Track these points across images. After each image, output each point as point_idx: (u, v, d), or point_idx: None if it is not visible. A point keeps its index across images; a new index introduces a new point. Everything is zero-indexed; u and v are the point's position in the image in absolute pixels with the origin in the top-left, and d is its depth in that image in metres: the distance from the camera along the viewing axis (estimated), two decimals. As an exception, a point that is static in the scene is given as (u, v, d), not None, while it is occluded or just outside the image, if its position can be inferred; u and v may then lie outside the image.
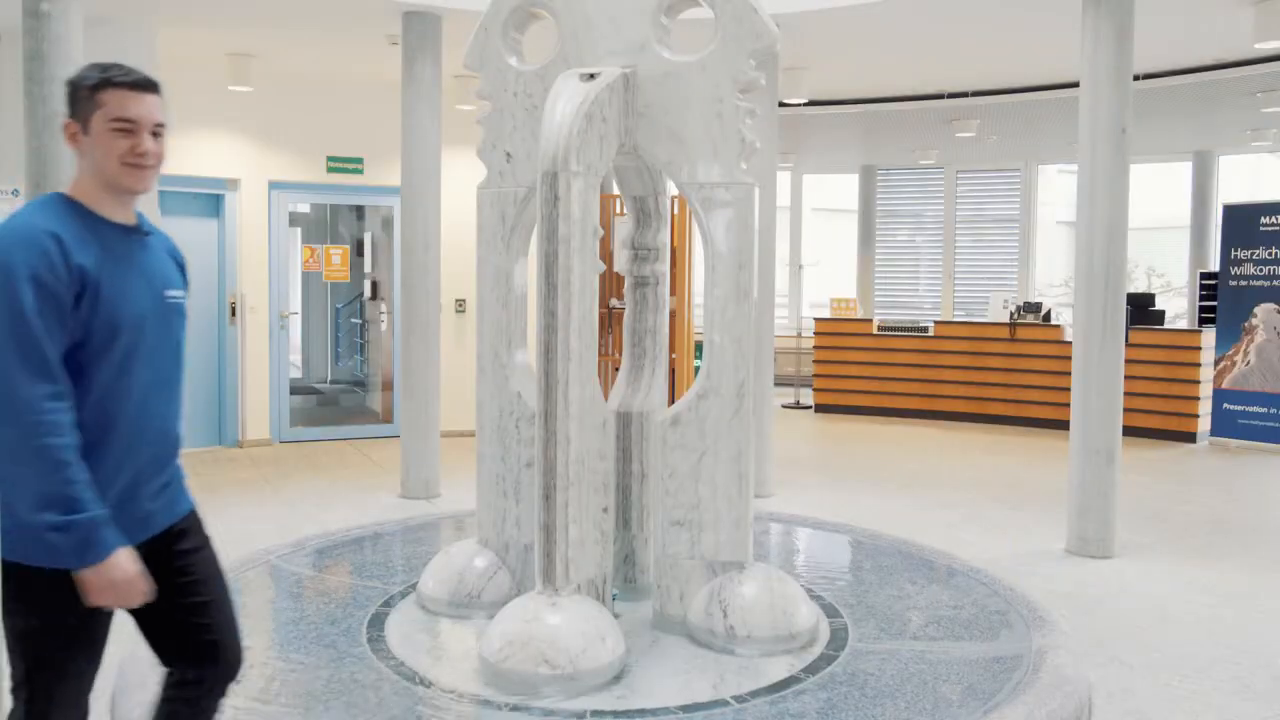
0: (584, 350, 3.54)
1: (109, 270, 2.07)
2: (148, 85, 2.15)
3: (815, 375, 11.93)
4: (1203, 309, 11.47)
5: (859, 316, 12.21)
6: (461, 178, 8.09)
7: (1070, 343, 6.49)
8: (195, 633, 2.32)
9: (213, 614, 2.33)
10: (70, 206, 2.11)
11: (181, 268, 2.34)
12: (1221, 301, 9.86)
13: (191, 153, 8.70)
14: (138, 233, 2.21)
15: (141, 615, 2.27)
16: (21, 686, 2.12)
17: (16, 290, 1.95)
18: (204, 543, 2.38)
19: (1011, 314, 11.17)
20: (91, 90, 2.11)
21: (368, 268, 11.36)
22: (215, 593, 2.35)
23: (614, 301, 7.61)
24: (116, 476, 2.12)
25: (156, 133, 2.15)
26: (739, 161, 3.77)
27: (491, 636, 3.41)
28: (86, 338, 2.04)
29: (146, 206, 7.39)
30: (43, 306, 1.96)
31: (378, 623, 3.92)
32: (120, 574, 2.02)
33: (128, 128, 2.10)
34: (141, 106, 2.12)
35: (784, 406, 11.90)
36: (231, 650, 2.37)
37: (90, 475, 2.03)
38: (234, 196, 9.05)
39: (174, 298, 2.25)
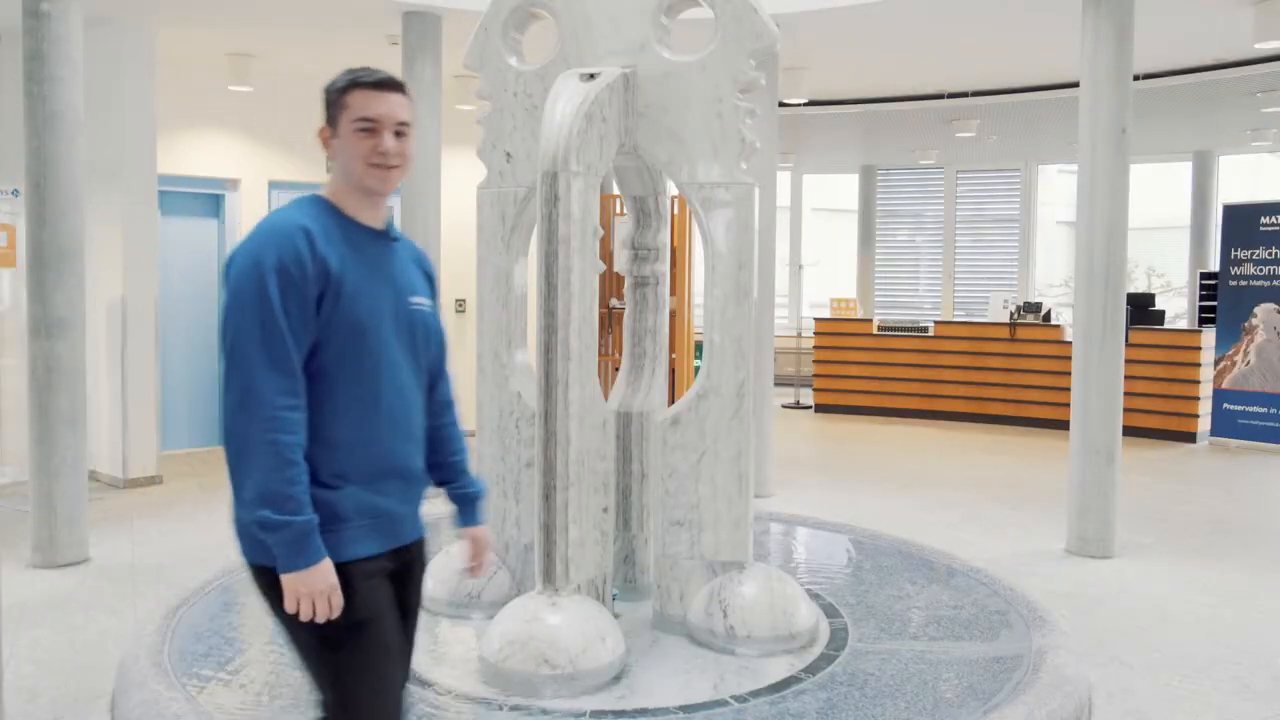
0: (584, 350, 3.54)
1: (353, 270, 2.04)
2: (391, 84, 2.12)
3: (815, 375, 11.93)
4: (1203, 309, 11.48)
5: (859, 316, 12.21)
6: (461, 178, 8.09)
7: (1070, 343, 6.49)
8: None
9: (410, 646, 2.25)
10: (324, 206, 2.11)
11: (429, 277, 2.29)
12: (1221, 301, 9.86)
13: (191, 153, 8.70)
14: (385, 238, 2.17)
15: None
16: (333, 706, 2.06)
17: (265, 281, 1.94)
18: (423, 571, 2.29)
19: (1011, 314, 11.17)
20: (339, 93, 2.10)
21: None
22: (414, 631, 2.27)
23: (614, 301, 7.61)
24: (361, 479, 2.06)
25: (400, 132, 2.11)
26: (739, 161, 3.77)
27: (491, 636, 3.41)
28: (330, 337, 2.01)
29: (146, 205, 7.35)
30: (288, 299, 1.95)
31: (378, 623, 3.92)
32: (323, 584, 1.95)
33: (370, 127, 2.07)
34: (383, 105, 2.09)
35: (784, 406, 11.90)
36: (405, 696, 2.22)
37: (333, 476, 2.02)
38: (234, 196, 9.04)
39: (418, 304, 2.19)
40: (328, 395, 2.02)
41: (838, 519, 5.87)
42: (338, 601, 1.97)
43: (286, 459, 1.93)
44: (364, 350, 2.05)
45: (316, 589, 1.94)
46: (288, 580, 1.94)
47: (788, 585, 3.86)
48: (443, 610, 3.97)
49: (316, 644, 2.03)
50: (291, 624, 2.01)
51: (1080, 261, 5.91)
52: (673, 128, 3.81)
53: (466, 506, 2.34)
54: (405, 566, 2.19)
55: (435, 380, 2.30)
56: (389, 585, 2.12)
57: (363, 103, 2.08)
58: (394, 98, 2.11)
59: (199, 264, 8.99)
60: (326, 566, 1.96)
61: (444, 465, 2.32)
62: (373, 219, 2.15)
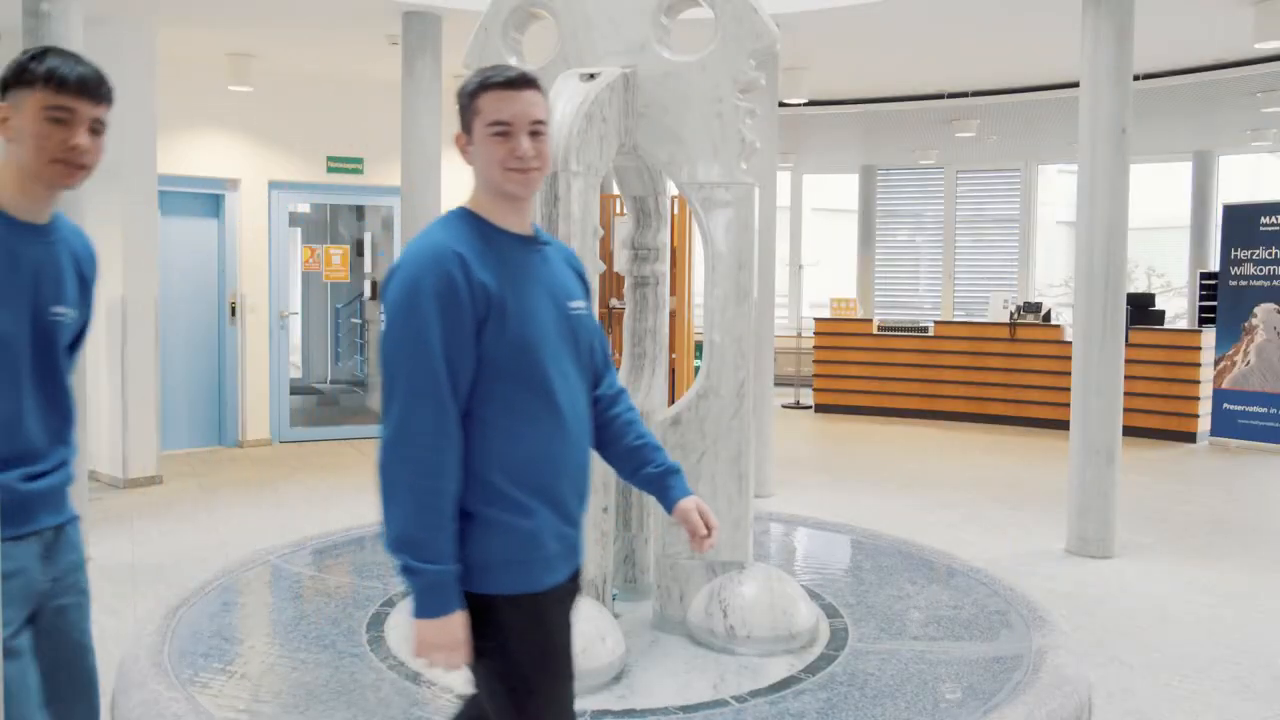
0: (584, 350, 3.53)
1: (513, 288, 1.95)
2: (522, 82, 2.00)
3: (815, 375, 11.93)
4: (1203, 309, 11.48)
5: (859, 316, 12.21)
6: (461, 178, 8.08)
7: (1070, 343, 6.49)
8: None
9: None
10: (471, 221, 2.01)
11: (581, 276, 2.17)
12: (1221, 301, 9.86)
13: (191, 153, 8.70)
14: (535, 243, 2.06)
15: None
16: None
17: (423, 311, 1.86)
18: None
19: (1011, 314, 11.17)
20: (470, 97, 2.02)
21: (368, 268, 11.36)
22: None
23: (614, 301, 7.61)
24: (549, 502, 1.98)
25: (536, 131, 1.99)
26: (739, 161, 3.77)
27: (491, 636, 3.41)
28: (497, 359, 1.92)
29: (146, 205, 7.35)
30: (446, 329, 1.87)
31: (378, 623, 3.92)
32: (451, 638, 1.88)
33: (504, 130, 1.97)
34: (516, 105, 1.98)
35: (784, 406, 11.90)
36: None
37: (522, 501, 1.94)
38: (234, 196, 9.05)
39: (576, 309, 2.08)
40: (503, 418, 1.94)
41: (838, 519, 5.87)
42: (458, 661, 1.90)
43: (431, 505, 1.86)
44: (534, 368, 1.95)
45: (443, 642, 1.88)
46: (419, 627, 1.88)
47: (788, 585, 3.86)
48: (443, 610, 3.97)
49: (505, 668, 1.98)
50: (483, 642, 1.96)
51: (1080, 261, 5.91)
52: (673, 128, 3.80)
53: (672, 480, 2.19)
54: (577, 588, 2.13)
55: (600, 376, 2.19)
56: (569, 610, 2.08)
57: (495, 105, 1.98)
58: (527, 95, 1.99)
59: (199, 264, 8.99)
60: (458, 620, 1.88)
61: (634, 451, 2.20)
62: (520, 225, 2.05)
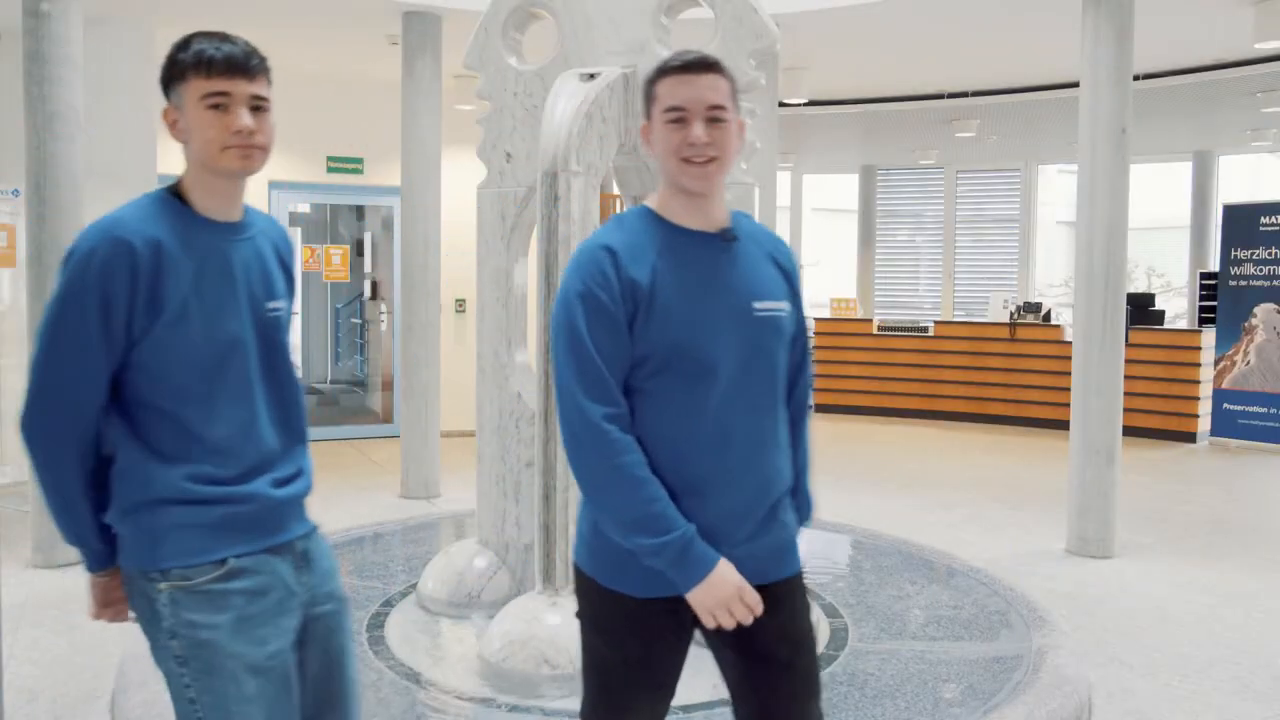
0: (584, 350, 3.53)
1: (672, 283, 1.85)
2: (700, 65, 1.86)
3: (815, 375, 11.92)
4: (1203, 309, 11.47)
5: (859, 316, 12.21)
6: (461, 178, 8.08)
7: (1070, 343, 6.49)
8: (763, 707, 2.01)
9: (784, 698, 1.99)
10: (647, 217, 1.93)
11: (786, 273, 2.00)
12: (1221, 301, 9.86)
13: (191, 153, 8.69)
14: (720, 240, 1.92)
15: (728, 672, 2.02)
16: (588, 716, 2.02)
17: (573, 310, 1.83)
18: (795, 618, 2.00)
19: (1011, 314, 11.17)
20: (650, 84, 1.91)
21: (368, 268, 11.36)
22: (794, 683, 1.99)
23: (614, 301, 7.61)
24: (689, 516, 1.85)
25: (715, 118, 1.85)
26: (739, 161, 3.77)
27: (491, 636, 3.41)
28: (650, 356, 1.85)
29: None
30: (595, 326, 1.82)
31: (378, 623, 3.92)
32: (727, 588, 1.80)
33: (679, 116, 1.85)
34: (691, 90, 1.85)
35: (784, 406, 11.88)
36: None
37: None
38: (234, 196, 9.04)
39: (765, 310, 1.92)
40: (654, 417, 1.86)
41: (837, 519, 5.87)
42: (753, 599, 1.83)
43: (637, 477, 1.81)
44: (688, 367, 1.86)
45: (721, 596, 1.80)
46: (693, 599, 1.82)
47: (788, 585, 3.85)
48: (443, 610, 3.97)
49: (595, 663, 1.98)
50: (584, 635, 1.99)
51: (1080, 261, 5.91)
52: (673, 128, 3.80)
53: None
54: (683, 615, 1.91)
55: (792, 388, 2.04)
56: (692, 627, 1.92)
57: (670, 90, 1.87)
58: (705, 79, 1.86)
59: (199, 264, 8.99)
60: (724, 570, 1.81)
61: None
62: (702, 222, 1.92)
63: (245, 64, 1.83)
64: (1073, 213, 6.48)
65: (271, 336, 1.92)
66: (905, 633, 3.96)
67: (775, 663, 1.96)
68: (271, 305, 1.92)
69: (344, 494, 7.17)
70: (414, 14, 7.00)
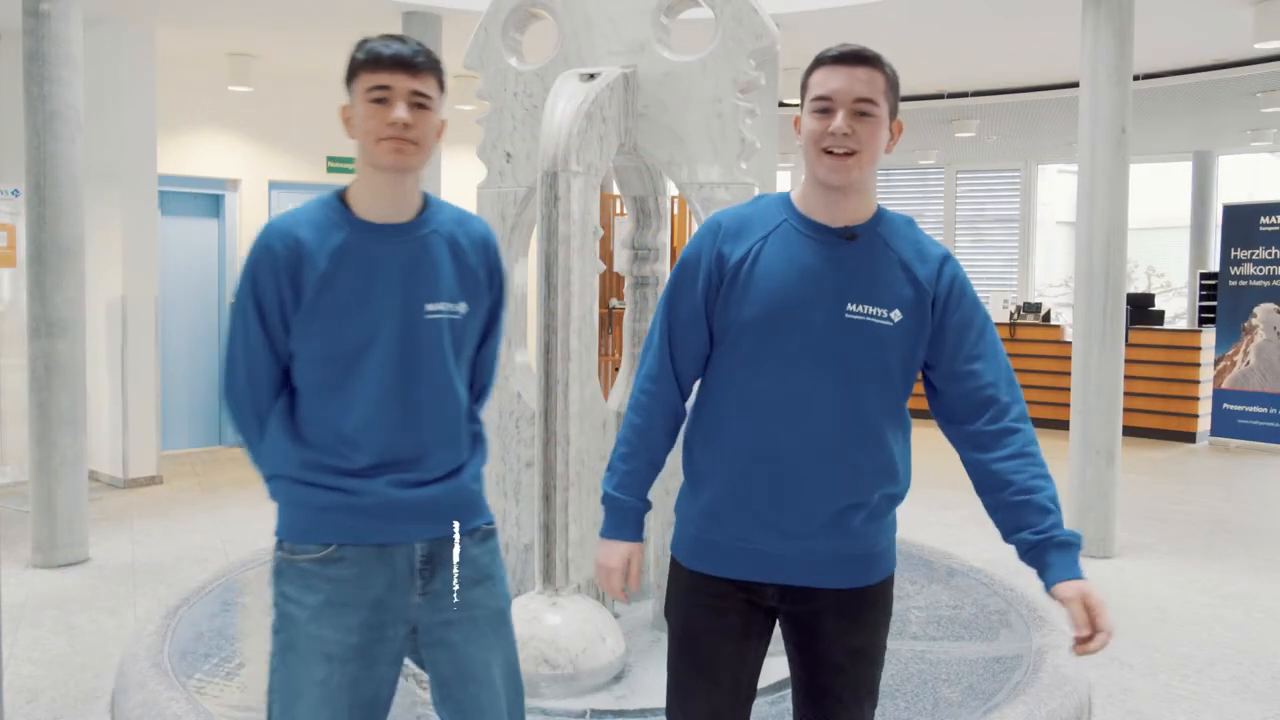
0: (584, 350, 3.54)
1: (767, 267, 1.85)
2: (854, 58, 1.81)
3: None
4: (1203, 309, 11.48)
5: (859, 316, 12.19)
6: (461, 178, 8.09)
7: (1070, 343, 6.49)
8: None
9: (813, 700, 2.01)
10: (782, 204, 1.94)
11: (916, 282, 1.88)
12: (1221, 301, 9.86)
13: (191, 153, 8.70)
14: (849, 236, 1.87)
15: (793, 670, 2.05)
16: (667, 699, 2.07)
17: (674, 273, 1.94)
18: (857, 629, 1.95)
19: (1011, 314, 11.17)
20: (806, 75, 1.87)
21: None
22: (843, 691, 1.98)
23: (614, 301, 7.61)
24: (718, 493, 1.91)
25: (862, 111, 1.80)
26: (739, 161, 3.77)
27: (491, 636, 3.40)
28: (724, 332, 1.89)
29: (146, 205, 7.32)
30: (677, 290, 1.93)
31: (378, 623, 3.92)
32: (603, 559, 1.96)
33: (826, 107, 1.81)
34: (838, 80, 1.80)
35: (784, 406, 11.89)
36: None
37: (694, 480, 1.96)
38: (234, 196, 9.05)
39: (858, 314, 1.84)
40: (719, 395, 1.92)
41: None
42: (614, 586, 1.96)
43: (628, 437, 1.96)
44: (748, 350, 1.86)
45: (603, 563, 1.96)
46: (599, 547, 1.98)
47: (788, 585, 3.85)
48: (443, 610, 3.97)
49: (671, 637, 2.03)
50: (667, 609, 2.06)
51: (1080, 261, 5.91)
52: (673, 128, 3.80)
53: (1053, 556, 1.84)
54: (805, 615, 1.95)
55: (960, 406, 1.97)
56: (748, 615, 1.94)
57: (821, 79, 1.82)
58: (855, 71, 1.80)
59: (199, 264, 8.99)
60: (622, 548, 1.95)
61: (1012, 509, 1.89)
62: (834, 216, 1.87)
63: (410, 60, 1.86)
64: (1073, 213, 6.48)
65: (428, 339, 1.90)
66: (905, 632, 3.96)
67: (829, 667, 1.96)
68: (432, 308, 1.91)
69: (344, 494, 7.18)
70: (414, 14, 7.00)
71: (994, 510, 1.91)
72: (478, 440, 2.03)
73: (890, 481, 1.93)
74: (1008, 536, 1.89)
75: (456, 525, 1.96)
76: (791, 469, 1.86)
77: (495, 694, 1.97)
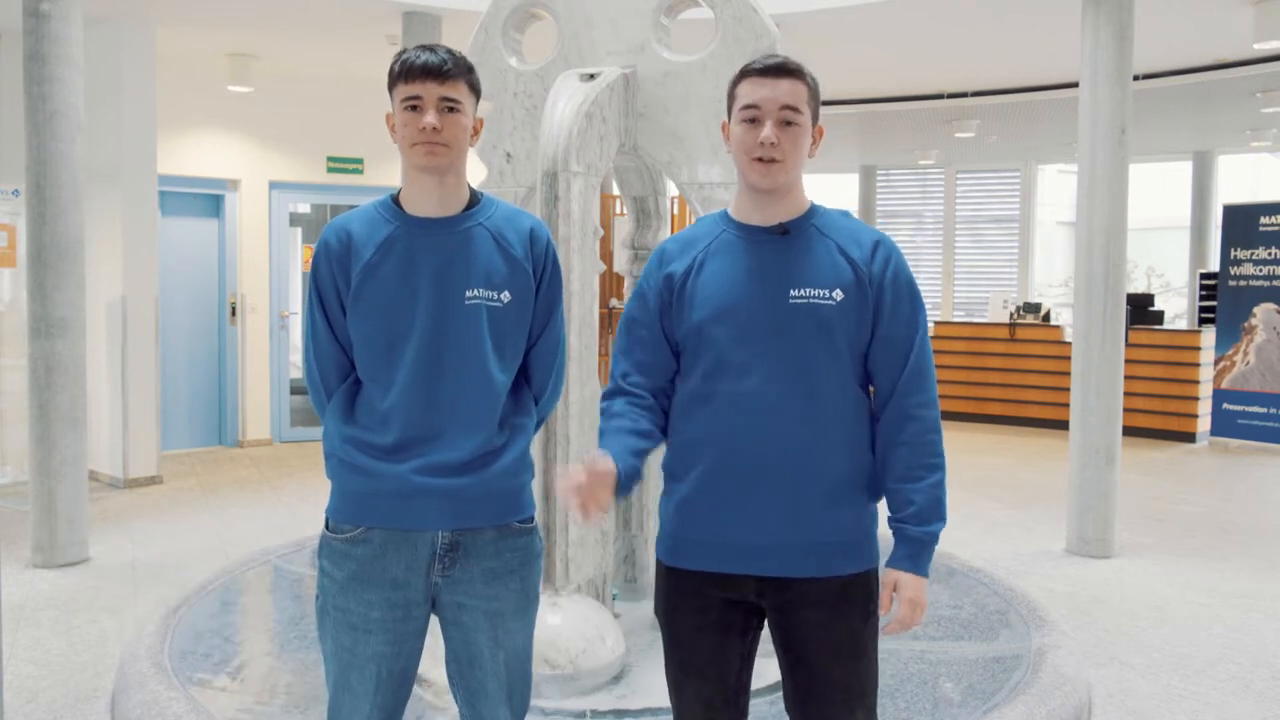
0: (584, 350, 3.54)
1: (712, 274, 1.99)
2: (773, 69, 1.98)
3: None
4: (1202, 309, 11.48)
5: (859, 316, 12.18)
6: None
7: (1070, 343, 6.49)
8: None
9: (798, 692, 2.02)
10: (716, 217, 2.12)
11: (854, 263, 1.98)
12: (1221, 301, 9.86)
13: (191, 153, 8.70)
14: (784, 231, 2.00)
15: (782, 672, 2.07)
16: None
17: (636, 299, 2.08)
18: (837, 620, 1.99)
19: (1011, 314, 11.17)
20: (732, 87, 2.02)
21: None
22: (828, 689, 1.99)
23: (614, 301, 7.61)
24: (689, 489, 1.98)
25: (788, 120, 1.97)
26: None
27: (491, 636, 3.40)
28: (684, 341, 2.00)
29: (146, 205, 7.32)
30: (646, 312, 2.05)
31: (378, 623, 3.92)
32: (565, 481, 1.87)
33: (753, 115, 1.97)
34: (764, 90, 1.96)
35: (784, 406, 11.88)
36: None
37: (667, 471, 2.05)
38: (234, 196, 9.05)
39: (800, 297, 1.95)
40: (685, 397, 2.02)
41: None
42: (574, 503, 1.87)
43: (603, 427, 2.04)
44: (703, 350, 1.97)
45: (563, 482, 1.89)
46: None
47: (788, 585, 3.85)
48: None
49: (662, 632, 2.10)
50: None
51: (1080, 261, 5.91)
52: (673, 128, 3.80)
53: (896, 544, 2.07)
54: (781, 605, 1.99)
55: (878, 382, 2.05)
56: (727, 611, 1.99)
57: (748, 90, 1.97)
58: (782, 83, 1.95)
59: (199, 264, 8.99)
60: (574, 469, 1.89)
61: (890, 494, 2.05)
62: (767, 217, 2.00)
63: (439, 69, 1.99)
64: (1073, 213, 6.48)
65: (468, 326, 2.00)
66: (905, 632, 3.96)
67: (811, 665, 1.99)
68: (470, 294, 2.01)
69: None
70: (414, 14, 7.00)
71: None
72: (516, 432, 2.08)
73: (851, 463, 1.98)
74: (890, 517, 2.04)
75: (514, 518, 2.08)
76: (753, 459, 1.93)
77: (500, 682, 2.07)
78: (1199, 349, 9.87)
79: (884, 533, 2.04)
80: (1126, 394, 6.05)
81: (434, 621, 2.11)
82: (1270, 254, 9.49)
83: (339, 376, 2.05)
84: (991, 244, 14.94)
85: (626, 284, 4.47)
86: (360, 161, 9.50)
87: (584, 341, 3.53)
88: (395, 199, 2.10)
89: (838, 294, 1.94)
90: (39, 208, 5.29)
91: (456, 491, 1.99)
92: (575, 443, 3.48)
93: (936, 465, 1.99)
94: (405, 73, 2.00)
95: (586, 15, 3.91)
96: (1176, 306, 15.18)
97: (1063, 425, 6.95)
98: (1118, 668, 4.12)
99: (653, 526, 4.04)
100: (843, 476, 1.98)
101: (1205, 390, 9.82)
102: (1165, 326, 10.71)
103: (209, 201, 9.05)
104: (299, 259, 10.18)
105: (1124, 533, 6.04)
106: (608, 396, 2.07)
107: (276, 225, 9.29)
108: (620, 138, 3.80)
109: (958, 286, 14.88)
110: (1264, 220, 9.57)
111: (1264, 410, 9.44)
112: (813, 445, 1.94)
